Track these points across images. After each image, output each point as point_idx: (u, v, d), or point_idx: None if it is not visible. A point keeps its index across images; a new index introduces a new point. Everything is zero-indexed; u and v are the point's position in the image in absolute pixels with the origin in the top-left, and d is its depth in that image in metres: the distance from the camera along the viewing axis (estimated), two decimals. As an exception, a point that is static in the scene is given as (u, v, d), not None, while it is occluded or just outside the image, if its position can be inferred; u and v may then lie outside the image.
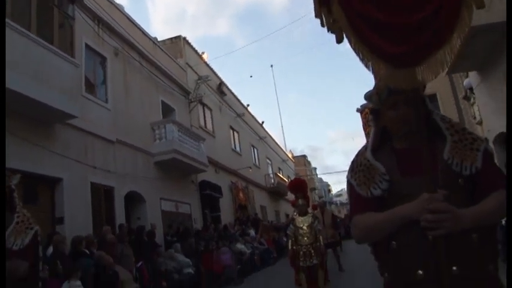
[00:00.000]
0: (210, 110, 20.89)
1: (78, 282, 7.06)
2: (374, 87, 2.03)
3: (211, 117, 20.92)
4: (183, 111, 17.64)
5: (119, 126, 12.77)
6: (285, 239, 21.24)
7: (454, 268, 1.68)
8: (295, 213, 8.80)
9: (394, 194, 1.85)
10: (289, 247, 8.56)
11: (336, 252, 11.97)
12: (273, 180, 31.09)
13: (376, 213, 1.86)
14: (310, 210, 9.10)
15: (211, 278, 12.59)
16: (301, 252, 8.27)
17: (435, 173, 1.75)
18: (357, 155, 2.08)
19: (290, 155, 44.81)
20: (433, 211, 1.67)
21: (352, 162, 2.08)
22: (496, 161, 1.98)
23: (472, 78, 12.42)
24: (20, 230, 2.81)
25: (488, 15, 7.86)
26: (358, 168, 1.99)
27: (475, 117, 13.63)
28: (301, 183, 8.83)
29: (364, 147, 2.07)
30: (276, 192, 31.28)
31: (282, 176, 33.83)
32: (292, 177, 41.48)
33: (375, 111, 2.05)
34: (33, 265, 2.82)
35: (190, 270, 11.08)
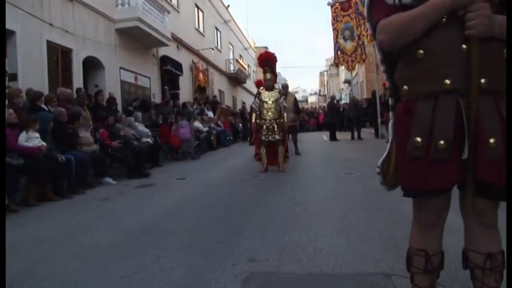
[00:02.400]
0: (176, -18, 19.63)
1: (37, 134, 6.86)
2: None
3: (177, -9, 19.71)
4: (147, -21, 16.44)
5: (79, -16, 11.78)
6: (240, 125, 21.55)
7: (483, 81, 1.63)
8: (261, 88, 8.72)
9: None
10: (253, 120, 8.58)
11: (294, 136, 12.22)
12: (233, 67, 30.64)
13: (406, 11, 1.70)
14: (277, 86, 9.04)
15: (169, 151, 12.71)
16: (265, 127, 8.35)
17: None
18: None
19: (252, 44, 43.90)
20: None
21: None
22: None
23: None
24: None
25: None
26: None
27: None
28: (271, 57, 8.63)
29: None
30: (235, 79, 31.05)
31: (242, 64, 33.35)
32: (253, 67, 41.21)
33: None
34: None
35: (149, 140, 11.05)
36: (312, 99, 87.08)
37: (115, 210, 5.73)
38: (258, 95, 8.60)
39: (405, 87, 1.81)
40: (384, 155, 1.99)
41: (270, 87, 8.49)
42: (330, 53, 36.70)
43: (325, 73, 69.69)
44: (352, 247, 3.46)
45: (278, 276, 2.92)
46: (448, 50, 1.66)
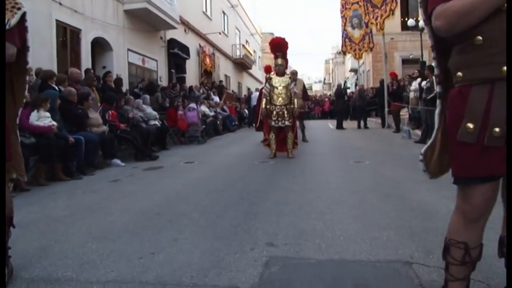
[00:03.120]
0: (184, -36, 19.42)
1: (47, 114, 6.84)
2: None
3: (185, -27, 19.52)
4: (156, -40, 16.27)
5: (88, -37, 11.67)
6: (245, 111, 21.48)
7: None
8: (272, 73, 8.67)
9: None
10: (263, 106, 8.53)
11: (301, 123, 12.15)
12: (239, 52, 30.48)
13: None
14: (287, 71, 8.99)
15: (175, 135, 12.68)
16: (274, 112, 8.31)
17: None
18: None
19: (258, 30, 43.62)
20: None
21: None
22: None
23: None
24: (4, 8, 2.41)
25: None
26: None
27: None
28: (282, 42, 8.55)
29: None
30: (241, 64, 30.91)
31: (248, 49, 33.17)
32: (259, 53, 40.99)
33: None
34: (21, 51, 2.55)
35: (157, 122, 11.03)
36: (317, 87, 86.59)
37: (126, 191, 5.72)
38: (268, 80, 8.53)
39: (459, 73, 1.77)
40: (428, 143, 1.98)
41: (281, 73, 8.43)
42: (336, 41, 36.40)
43: (331, 61, 69.15)
44: (370, 234, 3.44)
45: (298, 261, 2.91)
46: (507, 37, 1.61)
